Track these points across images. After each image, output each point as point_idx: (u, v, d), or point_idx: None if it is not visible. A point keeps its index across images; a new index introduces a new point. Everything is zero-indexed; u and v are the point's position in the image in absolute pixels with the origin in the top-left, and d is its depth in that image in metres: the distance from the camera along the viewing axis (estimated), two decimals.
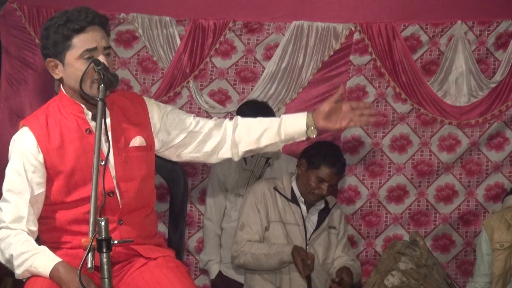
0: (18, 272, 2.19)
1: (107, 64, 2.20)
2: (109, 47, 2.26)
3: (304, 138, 2.42)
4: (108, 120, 2.30)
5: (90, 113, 2.29)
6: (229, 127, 2.46)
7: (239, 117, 2.50)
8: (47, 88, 4.23)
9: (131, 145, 2.33)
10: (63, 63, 2.23)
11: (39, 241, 2.29)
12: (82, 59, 2.20)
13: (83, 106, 2.29)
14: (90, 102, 2.27)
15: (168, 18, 4.20)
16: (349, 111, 2.34)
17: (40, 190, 2.25)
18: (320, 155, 3.40)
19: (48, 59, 2.25)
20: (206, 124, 2.46)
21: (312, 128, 2.36)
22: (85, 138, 2.26)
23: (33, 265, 2.15)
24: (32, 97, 4.23)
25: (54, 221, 2.29)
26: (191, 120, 2.45)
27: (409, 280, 3.37)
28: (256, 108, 3.85)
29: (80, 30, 2.20)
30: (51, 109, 2.31)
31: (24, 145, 2.25)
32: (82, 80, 2.17)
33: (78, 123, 2.28)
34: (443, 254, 4.39)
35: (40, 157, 2.24)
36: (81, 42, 2.20)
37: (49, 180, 2.26)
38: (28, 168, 2.23)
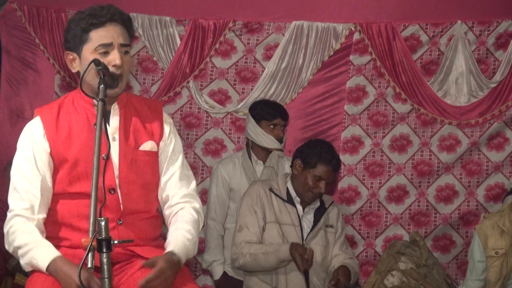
0: (22, 263, 2.21)
1: (119, 62, 2.23)
2: (127, 45, 2.28)
3: None
4: (117, 120, 2.32)
5: None
6: (168, 214, 2.44)
7: (185, 215, 2.41)
8: (47, 88, 4.24)
9: (141, 148, 2.36)
10: (80, 56, 2.27)
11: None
12: (97, 53, 2.23)
13: (94, 100, 2.30)
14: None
15: (168, 18, 4.20)
16: None
17: (48, 178, 2.28)
18: (315, 154, 3.43)
19: (67, 52, 2.30)
20: (175, 199, 2.43)
21: None
22: (92, 132, 2.27)
23: (34, 256, 2.15)
24: (32, 97, 4.23)
25: (57, 214, 2.29)
26: (172, 178, 2.43)
27: (409, 280, 3.37)
28: (271, 106, 3.87)
29: (98, 25, 2.24)
30: (67, 101, 2.35)
31: (33, 133, 2.29)
32: (81, 79, 2.18)
33: (87, 117, 2.31)
34: (443, 255, 4.39)
35: (47, 145, 2.28)
36: (98, 36, 2.24)
37: (55, 169, 2.29)
38: (37, 155, 2.27)
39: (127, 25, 2.30)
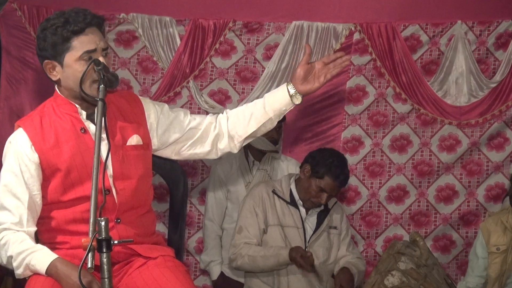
0: (19, 272, 2.19)
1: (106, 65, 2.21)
2: (107, 48, 2.27)
3: (293, 106, 2.44)
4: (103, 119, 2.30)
5: (84, 113, 2.30)
6: (223, 121, 2.47)
7: (228, 109, 2.52)
8: (47, 88, 4.22)
9: (128, 143, 2.34)
10: (61, 64, 2.23)
11: (37, 241, 2.28)
12: (82, 60, 2.20)
13: (77, 106, 2.29)
14: (86, 101, 2.28)
15: (168, 18, 4.20)
16: (322, 67, 2.39)
17: (37, 191, 2.25)
18: (326, 165, 3.36)
19: (46, 61, 2.25)
20: (203, 120, 2.47)
21: (295, 94, 2.40)
22: (80, 138, 2.27)
23: (31, 262, 2.15)
24: (32, 97, 4.23)
25: (52, 221, 2.28)
26: (188, 117, 2.46)
27: (409, 280, 3.36)
28: None
29: (79, 32, 2.20)
30: (46, 110, 2.32)
31: (19, 146, 2.25)
32: (82, 80, 2.18)
33: (72, 123, 2.28)
34: (443, 255, 4.39)
35: (36, 157, 2.24)
36: (81, 43, 2.20)
37: (46, 180, 2.26)
38: (24, 169, 2.23)
39: (102, 26, 2.28)
